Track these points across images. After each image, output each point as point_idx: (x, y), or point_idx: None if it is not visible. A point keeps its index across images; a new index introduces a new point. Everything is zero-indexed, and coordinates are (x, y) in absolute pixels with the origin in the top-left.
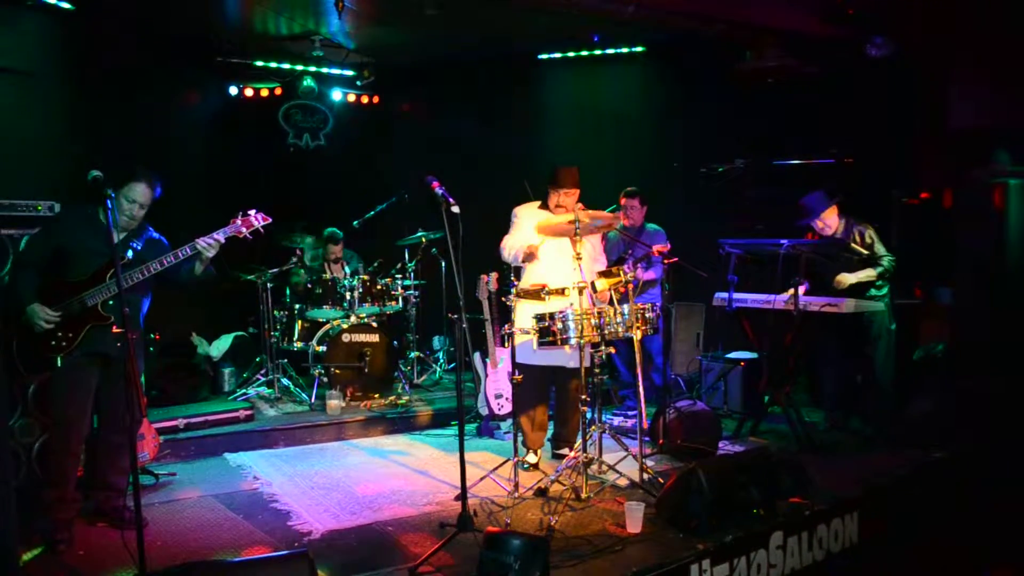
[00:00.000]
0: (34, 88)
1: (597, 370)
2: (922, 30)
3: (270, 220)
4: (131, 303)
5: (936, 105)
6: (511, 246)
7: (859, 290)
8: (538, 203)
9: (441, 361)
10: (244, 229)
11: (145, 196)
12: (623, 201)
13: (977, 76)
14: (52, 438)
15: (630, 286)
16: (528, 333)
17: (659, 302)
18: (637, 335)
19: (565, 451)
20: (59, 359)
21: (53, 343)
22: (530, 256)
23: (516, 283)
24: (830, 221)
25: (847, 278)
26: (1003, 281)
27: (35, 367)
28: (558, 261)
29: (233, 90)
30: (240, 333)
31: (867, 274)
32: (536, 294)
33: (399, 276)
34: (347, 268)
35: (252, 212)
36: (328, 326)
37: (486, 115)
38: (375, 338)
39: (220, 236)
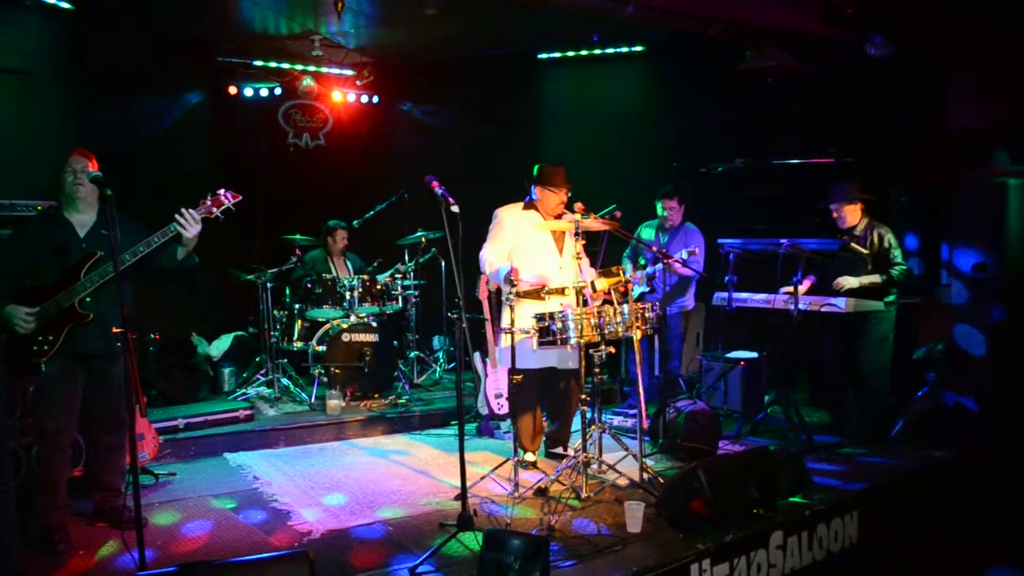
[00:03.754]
0: (34, 88)
1: (597, 369)
2: (922, 30)
3: (240, 197)
4: (110, 299)
5: (936, 105)
6: (492, 265)
7: (861, 293)
8: (521, 204)
9: (441, 361)
10: (215, 208)
11: (84, 166)
12: (661, 203)
13: (977, 76)
14: (41, 446)
15: (629, 286)
16: (528, 332)
17: (693, 303)
18: (636, 335)
19: (558, 450)
20: (43, 364)
21: (35, 348)
22: (511, 282)
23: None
24: (847, 215)
25: (848, 281)
26: (1003, 281)
27: (21, 373)
28: (542, 257)
29: (233, 90)
30: (240, 333)
31: (872, 279)
32: (536, 293)
33: (399, 276)
34: (349, 264)
35: (221, 191)
36: (328, 326)
37: (486, 115)
38: (375, 338)
39: (195, 215)
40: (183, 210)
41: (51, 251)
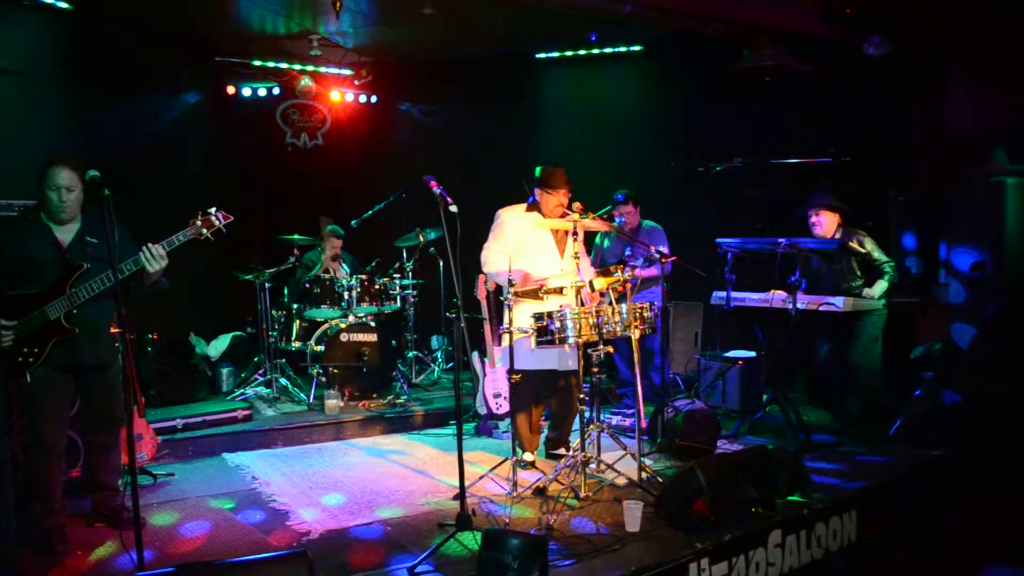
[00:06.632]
0: (33, 88)
1: (595, 369)
2: (921, 30)
3: (232, 219)
4: (99, 311)
5: (935, 104)
6: (493, 265)
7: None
8: (524, 205)
9: (439, 360)
10: (205, 230)
11: (70, 180)
12: (617, 209)
13: (976, 76)
14: (33, 455)
15: (627, 285)
16: (526, 332)
17: (659, 301)
18: (635, 334)
19: (560, 451)
20: (28, 374)
21: (20, 359)
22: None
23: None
24: (823, 221)
25: (872, 292)
26: (1003, 280)
27: (11, 373)
28: (544, 258)
29: (231, 90)
30: (238, 333)
31: (880, 288)
32: (534, 293)
33: (397, 276)
34: (345, 267)
35: (212, 211)
36: (326, 326)
37: (484, 114)
38: (373, 337)
39: (163, 248)
40: (148, 245)
41: (32, 261)
